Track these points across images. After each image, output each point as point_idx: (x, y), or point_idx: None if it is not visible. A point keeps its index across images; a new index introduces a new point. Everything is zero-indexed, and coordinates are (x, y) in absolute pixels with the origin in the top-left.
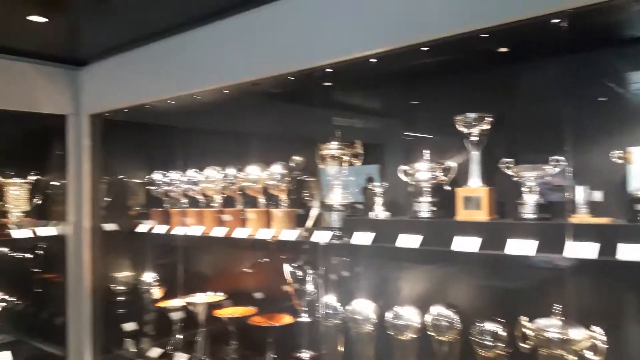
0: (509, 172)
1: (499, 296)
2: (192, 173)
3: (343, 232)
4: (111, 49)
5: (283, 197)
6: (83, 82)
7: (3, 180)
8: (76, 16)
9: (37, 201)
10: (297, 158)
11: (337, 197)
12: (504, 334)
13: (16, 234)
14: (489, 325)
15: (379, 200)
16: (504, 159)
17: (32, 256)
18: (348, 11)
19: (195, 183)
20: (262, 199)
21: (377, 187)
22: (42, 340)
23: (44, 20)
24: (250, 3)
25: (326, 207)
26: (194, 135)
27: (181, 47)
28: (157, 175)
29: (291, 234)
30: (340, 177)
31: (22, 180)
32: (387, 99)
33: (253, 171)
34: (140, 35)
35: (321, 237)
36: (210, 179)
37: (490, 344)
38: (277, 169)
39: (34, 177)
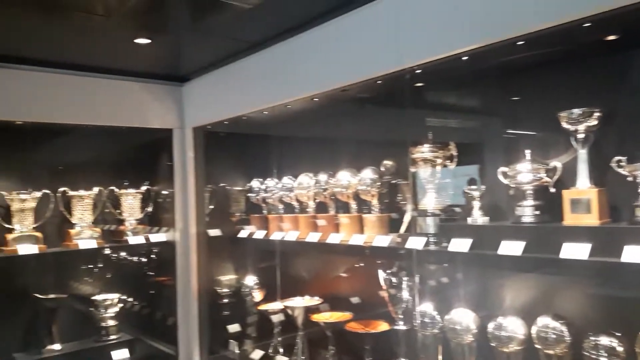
0: (622, 171)
1: (614, 307)
2: (286, 180)
3: (439, 237)
4: (209, 64)
5: (374, 202)
6: (186, 98)
7: (119, 191)
8: (177, 36)
9: (149, 209)
10: (387, 162)
11: (431, 201)
12: (621, 349)
13: (132, 240)
14: (604, 339)
15: (476, 204)
16: (615, 157)
17: (146, 260)
18: (435, 10)
19: (289, 189)
20: (353, 204)
21: (475, 190)
22: (156, 339)
23: (149, 41)
24: (335, 11)
25: (420, 212)
26: (287, 143)
27: (273, 59)
28: (255, 183)
29: (384, 240)
30: (434, 181)
31: (136, 191)
32: (484, 96)
33: (344, 177)
34: (234, 50)
35: (416, 243)
36: (303, 185)
37: (606, 359)
38: (368, 173)
39: (146, 187)
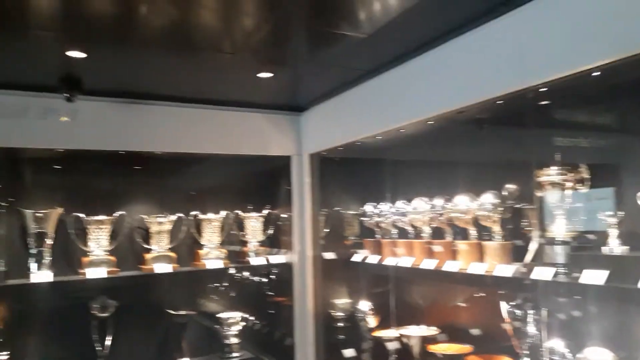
0: None
1: None
2: (400, 204)
3: (569, 268)
4: (326, 93)
5: (496, 228)
6: (303, 126)
7: (243, 214)
8: (296, 69)
9: (270, 232)
10: (510, 186)
11: (560, 228)
12: None
13: (253, 261)
14: None
15: (613, 232)
16: None
17: (266, 281)
18: (561, 23)
19: (403, 214)
20: (473, 231)
21: (611, 217)
22: (275, 358)
23: (270, 75)
24: (451, 33)
25: (548, 240)
26: (401, 167)
27: (387, 85)
28: (368, 207)
29: (507, 270)
30: (563, 205)
31: (258, 214)
32: (620, 113)
33: (462, 201)
34: (350, 78)
35: (543, 273)
36: (418, 210)
37: None
38: (488, 198)
39: (267, 211)
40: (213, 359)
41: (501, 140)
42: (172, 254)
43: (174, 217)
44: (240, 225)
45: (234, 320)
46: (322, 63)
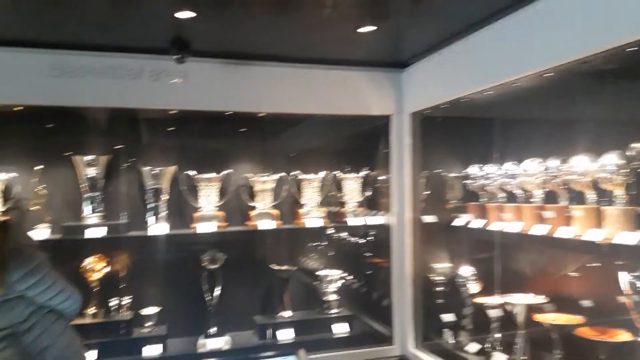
0: None
1: None
2: (509, 166)
3: None
4: (429, 48)
5: (619, 192)
6: (404, 83)
7: (342, 175)
8: (398, 21)
9: (368, 193)
10: (637, 145)
11: None
12: None
13: (351, 221)
14: None
15: None
16: None
17: (364, 241)
18: None
19: (512, 176)
20: (591, 195)
21: None
22: (372, 318)
23: (371, 29)
24: None
25: None
26: (511, 125)
27: (498, 35)
28: (472, 169)
29: (630, 237)
30: None
31: (356, 175)
32: None
33: (580, 162)
34: (456, 30)
35: None
36: (529, 172)
37: None
38: (611, 159)
39: (365, 172)
40: (313, 314)
41: (630, 93)
42: (275, 212)
43: (276, 177)
44: (338, 185)
45: (333, 278)
46: (427, 13)
